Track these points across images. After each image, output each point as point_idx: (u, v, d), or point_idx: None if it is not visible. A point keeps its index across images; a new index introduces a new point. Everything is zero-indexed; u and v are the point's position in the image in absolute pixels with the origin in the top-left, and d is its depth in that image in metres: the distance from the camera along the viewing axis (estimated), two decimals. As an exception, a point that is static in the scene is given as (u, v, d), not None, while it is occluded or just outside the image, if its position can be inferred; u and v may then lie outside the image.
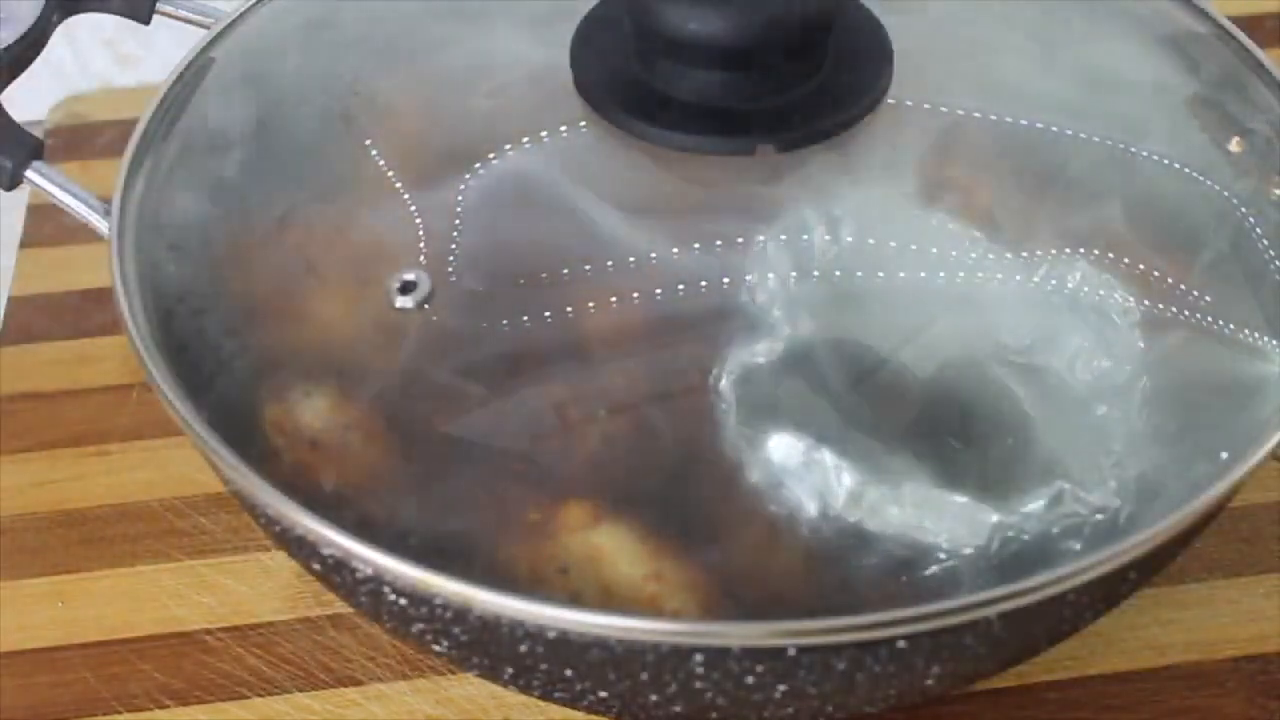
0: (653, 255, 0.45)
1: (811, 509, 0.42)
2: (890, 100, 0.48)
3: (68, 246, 0.64)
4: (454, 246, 0.46)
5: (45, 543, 0.55)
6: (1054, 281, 0.45)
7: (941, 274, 0.45)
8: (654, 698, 0.42)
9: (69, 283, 0.64)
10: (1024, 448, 0.43)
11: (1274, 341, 0.46)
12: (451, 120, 0.50)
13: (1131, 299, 0.45)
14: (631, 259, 0.45)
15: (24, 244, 0.66)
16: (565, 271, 0.45)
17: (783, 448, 0.42)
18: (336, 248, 0.47)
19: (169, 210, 0.49)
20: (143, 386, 0.57)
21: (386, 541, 0.41)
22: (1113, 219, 0.47)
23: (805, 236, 0.45)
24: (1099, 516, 0.42)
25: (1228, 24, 0.53)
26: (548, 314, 0.45)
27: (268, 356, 0.46)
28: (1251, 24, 0.57)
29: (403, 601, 0.42)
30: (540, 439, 0.44)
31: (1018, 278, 0.45)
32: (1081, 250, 0.46)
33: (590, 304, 0.45)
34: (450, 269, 0.46)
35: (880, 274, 0.45)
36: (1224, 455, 0.43)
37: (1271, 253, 0.48)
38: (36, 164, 0.50)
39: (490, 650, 0.42)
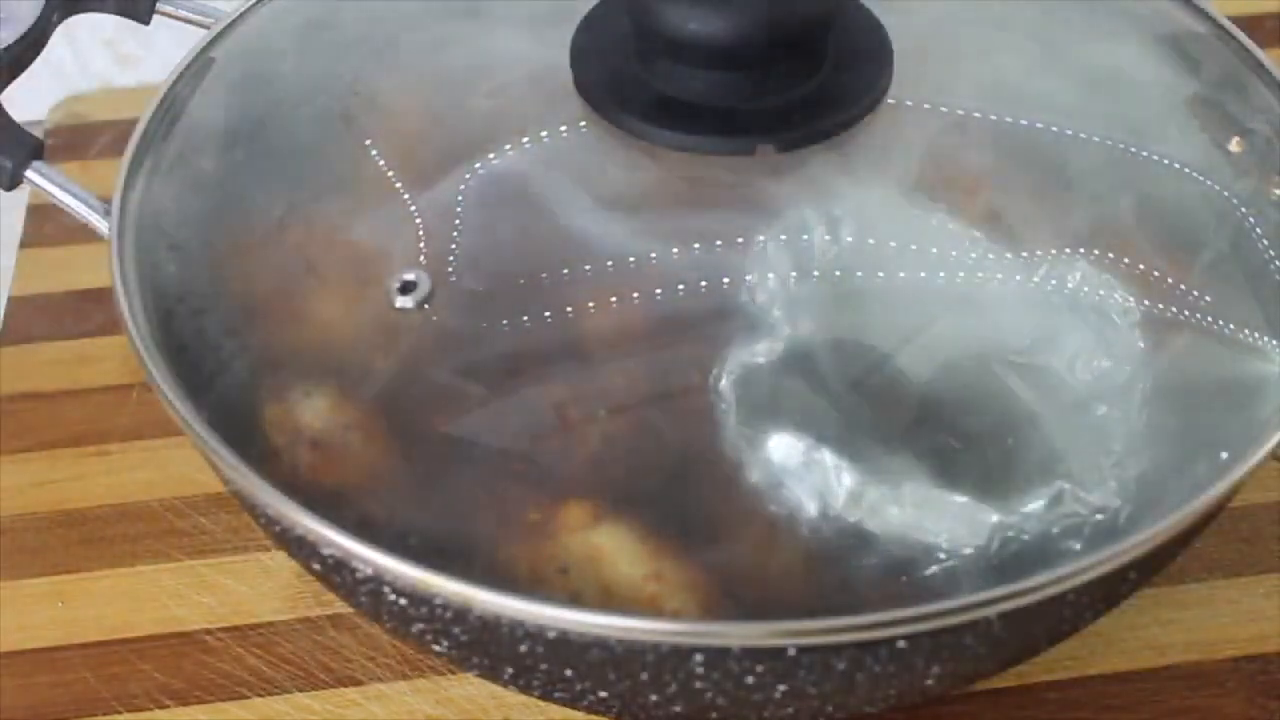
0: (653, 255, 0.45)
1: (811, 509, 0.42)
2: (890, 100, 0.48)
3: (68, 246, 0.64)
4: (454, 246, 0.46)
5: (45, 543, 0.55)
6: (1054, 281, 0.45)
7: (941, 274, 0.45)
8: (654, 698, 0.42)
9: (69, 283, 0.64)
10: (1024, 448, 0.43)
11: (1274, 341, 0.46)
12: (451, 120, 0.50)
13: (1131, 299, 0.45)
14: (631, 259, 0.45)
15: (24, 244, 0.66)
16: (565, 271, 0.45)
17: (783, 448, 0.42)
18: (336, 248, 0.47)
19: (169, 210, 0.49)
20: (143, 386, 0.57)
21: (386, 541, 0.41)
22: (1113, 219, 0.47)
23: (805, 236, 0.45)
24: (1099, 516, 0.42)
25: (1228, 24, 0.53)
26: (548, 314, 0.45)
27: (268, 356, 0.46)
28: (1251, 24, 0.57)
29: (403, 601, 0.42)
30: (540, 439, 0.44)
31: (1018, 278, 0.45)
32: (1081, 250, 0.46)
33: (590, 304, 0.45)
34: (450, 269, 0.46)
35: (880, 274, 0.45)
36: (1224, 455, 0.43)
37: (1271, 253, 0.48)
38: (36, 164, 0.50)
39: (490, 650, 0.42)
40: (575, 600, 0.41)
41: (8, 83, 0.51)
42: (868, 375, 0.44)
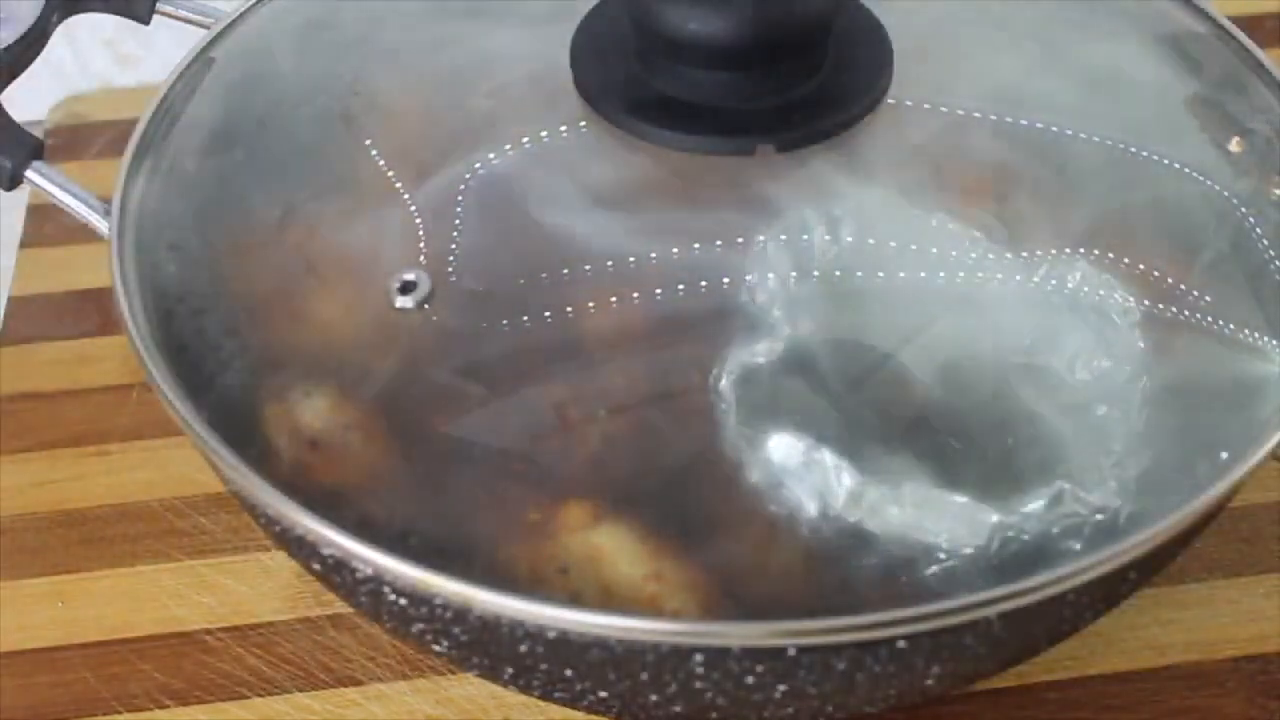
0: (653, 255, 0.45)
1: (811, 509, 0.42)
2: (890, 100, 0.48)
3: (68, 246, 0.64)
4: (454, 246, 0.46)
5: (45, 543, 0.55)
6: (1054, 281, 0.45)
7: (941, 274, 0.45)
8: (654, 698, 0.42)
9: (69, 283, 0.64)
10: (1024, 448, 0.43)
11: (1274, 341, 0.46)
12: (451, 120, 0.50)
13: (1132, 299, 0.45)
14: (631, 259, 0.45)
15: (24, 244, 0.66)
16: (565, 271, 0.45)
17: (783, 448, 0.42)
18: (336, 248, 0.47)
19: (169, 210, 0.49)
20: (143, 386, 0.57)
21: (386, 541, 0.41)
22: (1113, 219, 0.47)
23: (805, 236, 0.45)
24: (1099, 516, 0.42)
25: (1228, 24, 0.53)
26: (548, 314, 0.45)
27: (268, 356, 0.46)
28: (1251, 24, 0.57)
29: (403, 601, 0.42)
30: (540, 439, 0.44)
31: (1018, 278, 0.45)
32: (1081, 250, 0.46)
33: (590, 304, 0.45)
34: (450, 269, 0.46)
35: (880, 274, 0.45)
36: (1224, 455, 0.43)
37: (1271, 253, 0.48)
38: (36, 164, 0.50)
39: (490, 650, 0.42)
40: (575, 600, 0.41)
41: (8, 83, 0.51)
42: (868, 375, 0.44)
